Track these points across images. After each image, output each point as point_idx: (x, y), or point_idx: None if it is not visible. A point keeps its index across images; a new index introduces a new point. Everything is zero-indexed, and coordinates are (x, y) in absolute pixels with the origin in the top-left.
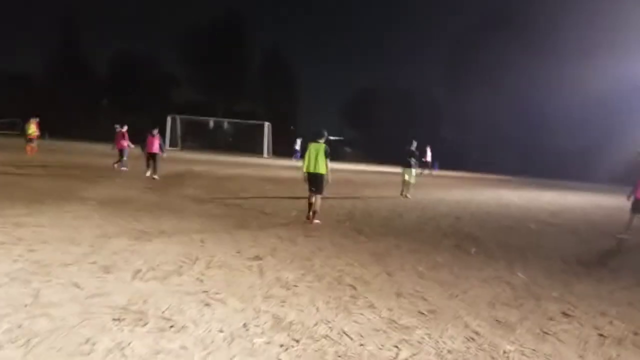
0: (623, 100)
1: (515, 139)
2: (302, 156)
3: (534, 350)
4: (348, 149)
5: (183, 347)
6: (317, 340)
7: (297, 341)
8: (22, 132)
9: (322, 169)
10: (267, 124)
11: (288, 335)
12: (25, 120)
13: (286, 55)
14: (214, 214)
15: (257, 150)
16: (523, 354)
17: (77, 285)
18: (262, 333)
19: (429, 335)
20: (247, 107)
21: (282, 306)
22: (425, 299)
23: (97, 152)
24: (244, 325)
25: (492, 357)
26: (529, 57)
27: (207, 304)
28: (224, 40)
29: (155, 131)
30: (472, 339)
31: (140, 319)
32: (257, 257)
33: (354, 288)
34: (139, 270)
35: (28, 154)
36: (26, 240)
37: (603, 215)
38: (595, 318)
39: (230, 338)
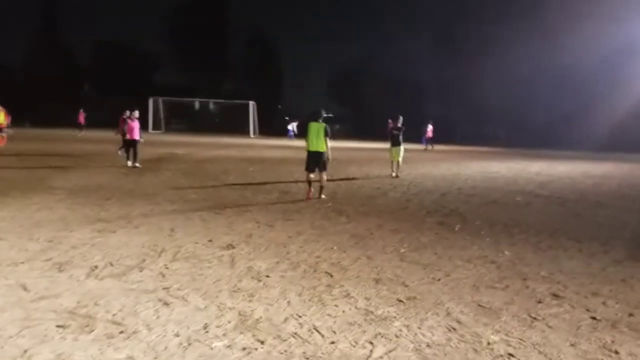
0: (604, 64)
1: (502, 110)
2: (298, 136)
3: (520, 340)
4: (337, 126)
5: (130, 358)
6: (285, 340)
7: (262, 342)
8: None
9: (322, 147)
10: (251, 103)
11: (253, 335)
12: None
13: (270, 32)
14: (189, 199)
15: (244, 131)
16: (509, 345)
17: (24, 287)
18: (224, 335)
19: (407, 327)
20: (232, 86)
21: (250, 301)
22: (405, 285)
23: (78, 139)
24: (204, 326)
25: (475, 350)
26: (514, 28)
27: (166, 303)
28: (205, 18)
29: (136, 114)
30: (454, 328)
31: (87, 325)
32: (230, 246)
33: (331, 275)
34: (95, 267)
35: None
36: None
37: (592, 184)
38: (587, 299)
39: (186, 343)
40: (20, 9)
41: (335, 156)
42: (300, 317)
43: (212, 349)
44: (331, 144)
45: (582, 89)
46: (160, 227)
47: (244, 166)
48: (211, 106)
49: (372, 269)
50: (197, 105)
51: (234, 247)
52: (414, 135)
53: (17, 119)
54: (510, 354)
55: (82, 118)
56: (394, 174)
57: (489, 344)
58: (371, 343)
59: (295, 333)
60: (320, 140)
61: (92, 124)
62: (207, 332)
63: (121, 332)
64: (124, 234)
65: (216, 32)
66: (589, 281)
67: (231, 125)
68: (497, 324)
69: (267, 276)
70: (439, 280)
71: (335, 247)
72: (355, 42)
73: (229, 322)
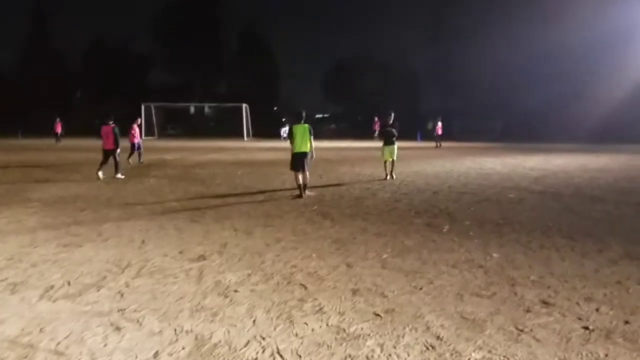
0: (594, 53)
1: (498, 101)
2: (287, 139)
3: (504, 357)
4: (333, 126)
5: None
6: None
7: None
8: None
9: (307, 148)
10: (244, 106)
11: None
12: None
13: (263, 31)
14: (168, 207)
15: (239, 134)
16: None
17: None
18: None
19: (381, 346)
20: (226, 88)
21: (212, 321)
22: (384, 295)
23: (68, 148)
24: (155, 354)
25: None
26: (507, 18)
27: (118, 328)
28: (197, 17)
29: (110, 121)
30: (432, 346)
31: (26, 357)
32: (201, 257)
33: (305, 288)
34: (51, 287)
35: None
36: None
37: (587, 178)
38: (579, 305)
39: None
40: (9, 14)
41: (327, 156)
42: (264, 339)
43: None
44: (325, 144)
45: (573, 78)
46: (131, 239)
47: (232, 170)
48: (206, 110)
49: (350, 279)
50: (192, 109)
51: (205, 259)
52: (410, 131)
53: (9, 130)
54: None
55: (59, 128)
56: (388, 177)
57: None
58: None
59: (255, 359)
60: (305, 141)
61: (85, 131)
62: None
63: None
64: (91, 248)
65: (208, 31)
66: (581, 284)
67: (226, 128)
68: (481, 338)
69: (236, 291)
70: (420, 289)
71: (314, 255)
72: (350, 37)
73: (183, 348)
